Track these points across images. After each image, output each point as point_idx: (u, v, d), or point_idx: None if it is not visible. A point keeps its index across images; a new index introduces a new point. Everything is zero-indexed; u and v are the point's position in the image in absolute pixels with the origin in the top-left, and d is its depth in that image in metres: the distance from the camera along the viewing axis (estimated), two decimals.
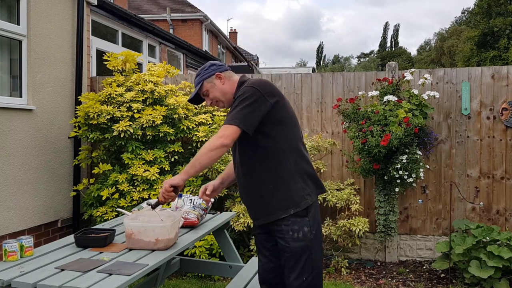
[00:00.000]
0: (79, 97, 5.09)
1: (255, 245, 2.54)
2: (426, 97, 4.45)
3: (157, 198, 2.54)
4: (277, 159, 2.24)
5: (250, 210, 2.42)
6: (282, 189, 2.26)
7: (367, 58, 59.34)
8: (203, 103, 2.91)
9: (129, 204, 4.33)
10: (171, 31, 17.53)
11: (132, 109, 4.60)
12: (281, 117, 2.27)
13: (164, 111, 4.63)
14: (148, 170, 4.44)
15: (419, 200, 4.66)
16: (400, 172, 4.35)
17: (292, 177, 2.27)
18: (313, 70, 42.99)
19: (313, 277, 2.28)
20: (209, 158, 2.14)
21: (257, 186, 2.30)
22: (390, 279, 4.36)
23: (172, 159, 4.72)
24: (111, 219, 4.23)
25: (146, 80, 4.79)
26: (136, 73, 5.02)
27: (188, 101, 2.45)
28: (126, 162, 4.51)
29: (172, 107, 4.69)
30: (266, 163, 2.24)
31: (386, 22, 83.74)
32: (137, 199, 4.33)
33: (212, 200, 3.09)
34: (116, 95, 4.65)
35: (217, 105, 2.44)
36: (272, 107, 2.23)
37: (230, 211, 4.44)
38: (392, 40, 59.24)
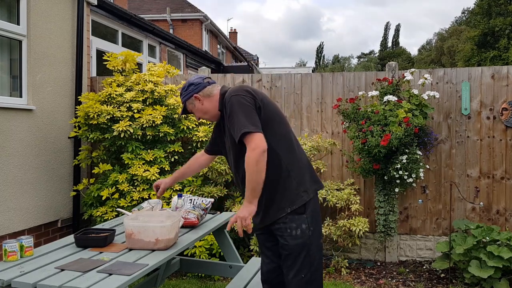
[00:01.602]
0: (79, 97, 5.09)
1: (258, 245, 2.56)
2: (426, 97, 4.45)
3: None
4: (269, 161, 2.22)
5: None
6: (277, 190, 2.27)
7: (366, 58, 59.33)
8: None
9: (129, 204, 4.33)
10: (171, 31, 17.54)
11: (132, 109, 4.60)
12: (267, 117, 2.27)
13: (164, 111, 4.63)
14: (148, 170, 4.44)
15: (419, 200, 4.65)
16: (400, 172, 4.35)
17: (287, 176, 2.27)
18: (313, 70, 43.01)
19: (312, 274, 2.28)
20: (261, 171, 2.15)
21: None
22: (390, 279, 4.36)
23: (172, 159, 4.72)
24: (111, 219, 4.23)
25: (146, 80, 4.79)
26: (136, 73, 5.02)
27: (181, 114, 2.58)
28: (126, 162, 4.51)
29: (172, 107, 4.69)
30: None
31: (387, 22, 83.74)
32: (137, 199, 4.33)
33: (212, 200, 3.11)
34: (116, 95, 4.65)
35: (204, 120, 2.50)
36: (260, 107, 2.25)
37: (230, 211, 4.44)
38: (394, 40, 59.25)
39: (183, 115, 2.57)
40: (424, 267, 4.65)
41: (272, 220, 2.29)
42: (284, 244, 2.27)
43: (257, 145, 2.14)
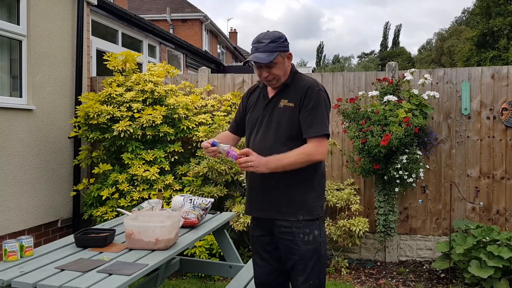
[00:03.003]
0: (79, 97, 5.08)
1: (252, 247, 2.49)
2: (426, 97, 4.45)
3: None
4: (311, 165, 2.25)
5: (263, 201, 2.32)
6: (303, 192, 2.26)
7: (367, 58, 59.31)
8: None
9: (129, 204, 4.33)
10: (171, 31, 17.53)
11: (132, 109, 4.60)
12: None
13: (164, 111, 4.63)
14: (148, 170, 4.44)
15: (419, 200, 4.65)
16: (400, 172, 4.35)
17: (315, 185, 2.29)
18: (313, 70, 42.95)
19: (319, 280, 2.28)
20: (303, 165, 2.19)
21: (284, 182, 2.25)
22: (390, 279, 4.36)
23: (172, 159, 4.72)
24: (111, 219, 4.23)
25: (146, 80, 4.79)
26: (136, 73, 5.02)
27: (245, 61, 2.34)
28: (126, 162, 4.51)
29: (172, 107, 4.69)
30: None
31: (387, 22, 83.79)
32: (137, 199, 4.33)
33: (212, 200, 3.11)
34: (116, 95, 4.65)
35: (270, 81, 2.29)
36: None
37: (230, 211, 4.44)
38: (394, 40, 59.17)
39: (249, 64, 2.33)
40: (424, 267, 4.65)
41: (280, 218, 2.26)
42: (295, 249, 2.24)
43: (323, 152, 2.21)
